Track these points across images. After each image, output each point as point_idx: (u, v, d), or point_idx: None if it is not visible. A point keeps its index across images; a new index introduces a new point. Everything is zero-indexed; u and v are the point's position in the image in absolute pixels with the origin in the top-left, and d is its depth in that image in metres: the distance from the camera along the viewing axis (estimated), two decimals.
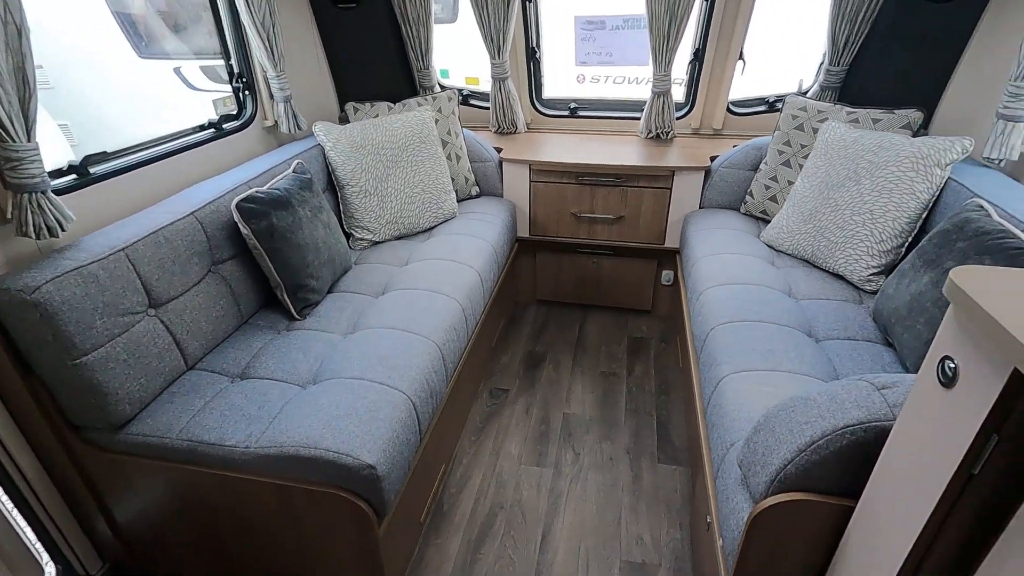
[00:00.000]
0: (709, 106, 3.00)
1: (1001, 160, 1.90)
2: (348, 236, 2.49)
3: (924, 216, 1.92)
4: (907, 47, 2.40)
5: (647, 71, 2.84)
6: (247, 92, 2.36)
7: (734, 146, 2.79)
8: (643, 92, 2.90)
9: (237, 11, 2.16)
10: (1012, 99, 1.82)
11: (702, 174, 2.68)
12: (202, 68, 5.20)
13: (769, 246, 2.37)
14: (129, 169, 1.78)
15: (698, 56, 2.85)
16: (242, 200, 1.76)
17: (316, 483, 1.38)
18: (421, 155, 2.55)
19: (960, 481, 0.76)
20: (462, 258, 2.29)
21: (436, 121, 2.71)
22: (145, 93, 5.11)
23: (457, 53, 4.18)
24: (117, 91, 5.02)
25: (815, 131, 2.37)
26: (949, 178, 1.90)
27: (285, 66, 2.35)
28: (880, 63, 2.49)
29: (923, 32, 2.34)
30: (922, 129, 2.44)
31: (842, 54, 2.52)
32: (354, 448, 1.34)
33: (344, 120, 2.74)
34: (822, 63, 2.68)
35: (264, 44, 2.21)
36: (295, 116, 2.45)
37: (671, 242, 2.85)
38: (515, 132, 3.20)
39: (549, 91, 3.27)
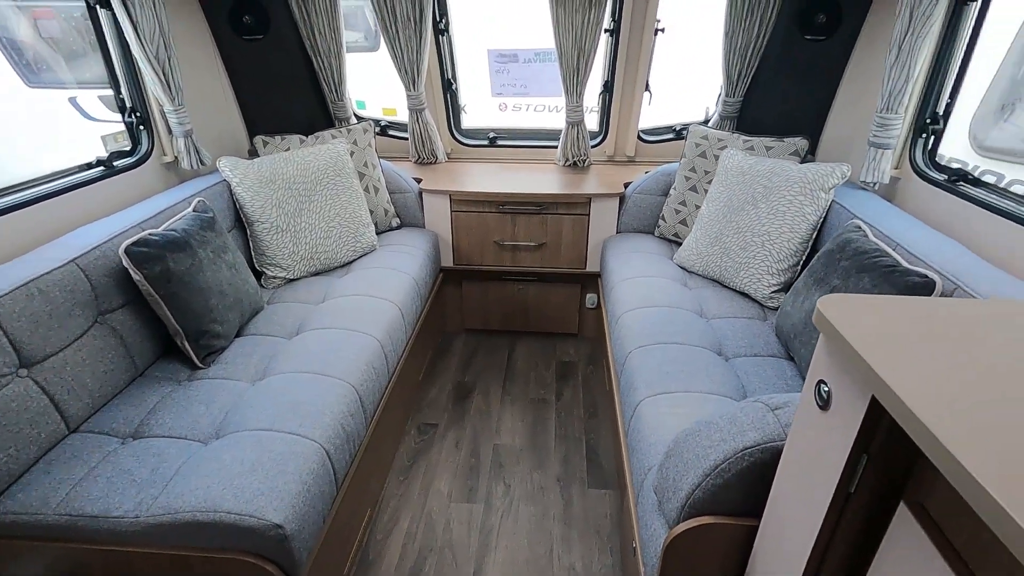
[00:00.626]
0: (621, 135, 3.13)
1: (875, 183, 2.08)
2: (260, 275, 2.37)
3: (814, 236, 2.08)
4: (792, 80, 2.62)
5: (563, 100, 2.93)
6: (142, 127, 2.22)
7: (646, 172, 2.91)
8: (562, 120, 3.00)
9: (127, 42, 2.03)
10: (880, 129, 2.01)
11: (617, 200, 2.77)
12: (101, 98, 4.88)
13: (682, 267, 2.47)
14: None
15: (607, 88, 2.98)
16: (132, 244, 1.64)
17: (217, 550, 1.27)
18: (336, 188, 2.48)
19: (840, 499, 0.80)
20: (381, 292, 2.24)
21: (352, 153, 2.66)
22: (33, 125, 4.72)
23: (379, 81, 4.16)
24: None
25: (716, 158, 2.52)
26: (833, 201, 2.06)
27: (184, 99, 2.24)
28: (770, 94, 2.70)
29: (804, 66, 2.56)
30: (809, 155, 2.65)
31: (736, 86, 2.70)
32: (259, 507, 1.25)
33: (253, 154, 2.63)
34: (720, 95, 2.86)
35: (159, 77, 2.10)
36: (197, 151, 2.33)
37: (592, 266, 2.92)
38: (435, 162, 3.19)
39: (471, 119, 3.31)
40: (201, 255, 1.81)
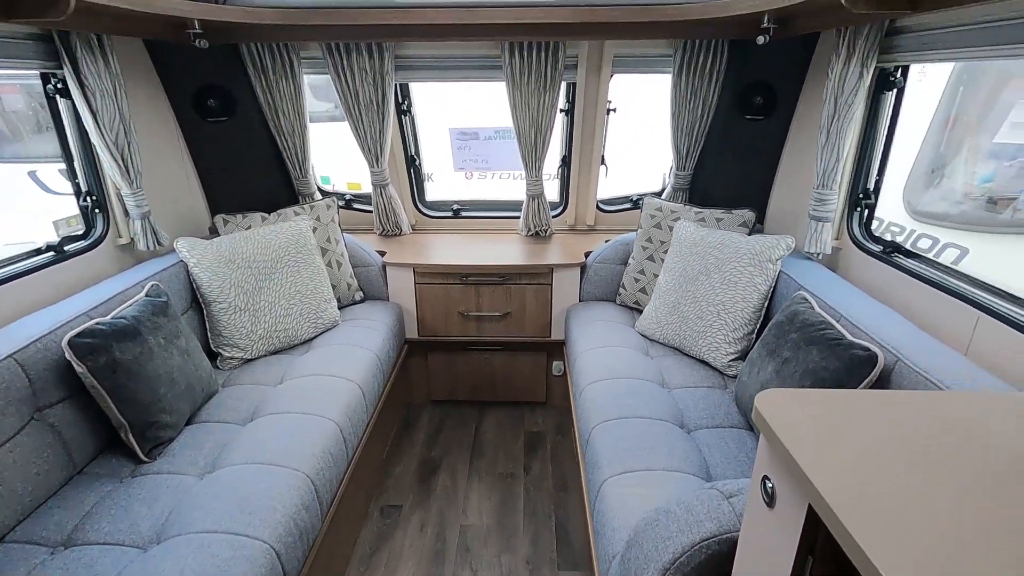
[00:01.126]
0: (581, 205, 3.24)
1: (819, 253, 2.19)
2: (216, 355, 2.31)
3: (765, 304, 2.15)
4: (736, 155, 2.78)
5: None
6: (97, 210, 2.20)
7: (606, 241, 3.00)
8: (523, 191, 3.11)
9: (85, 129, 2.05)
10: (818, 204, 2.14)
11: (579, 270, 2.83)
12: (62, 171, 4.84)
13: (643, 335, 2.51)
14: None
15: (566, 162, 3.10)
16: (76, 335, 1.59)
17: None
18: (298, 265, 2.48)
19: None
20: (342, 371, 2.19)
21: (315, 229, 2.68)
22: None
23: (346, 151, 4.27)
24: None
25: (671, 229, 2.61)
26: (780, 271, 2.15)
27: (143, 183, 2.24)
28: (718, 168, 2.85)
29: (747, 144, 2.73)
30: (758, 224, 2.78)
31: (685, 161, 2.85)
32: None
33: (214, 232, 2.62)
34: (672, 168, 3.01)
35: (117, 163, 2.11)
36: (155, 232, 2.31)
37: (557, 334, 2.94)
38: (400, 234, 3.23)
39: (438, 190, 3.38)
40: (151, 342, 1.76)
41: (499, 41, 2.55)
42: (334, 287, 2.73)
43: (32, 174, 4.82)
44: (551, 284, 2.85)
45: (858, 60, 1.87)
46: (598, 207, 3.25)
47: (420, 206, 3.32)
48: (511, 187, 3.79)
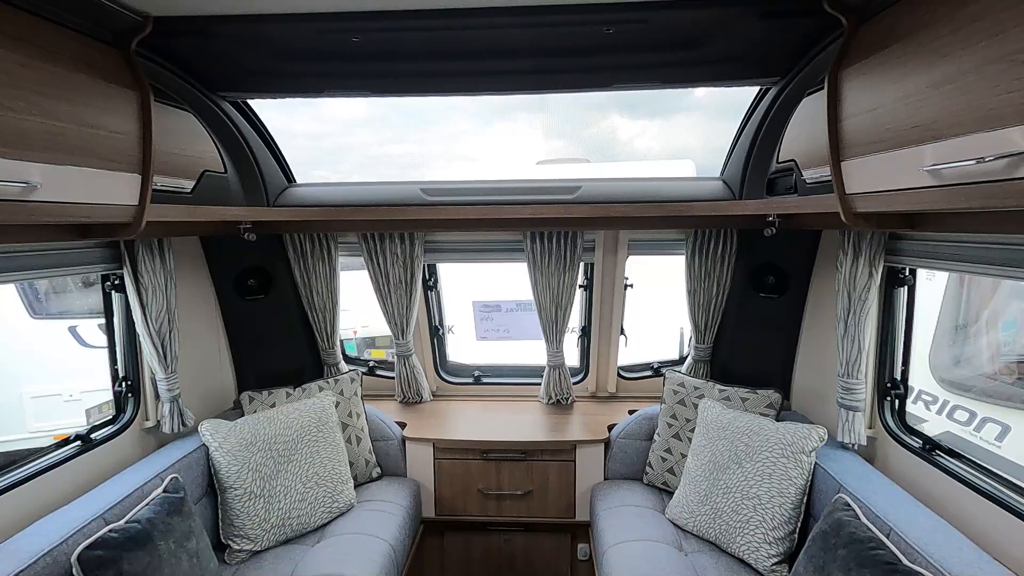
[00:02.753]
0: (601, 373, 3.24)
1: (854, 444, 2.11)
2: (225, 547, 2.20)
3: (804, 500, 2.02)
4: (754, 331, 2.82)
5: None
6: (130, 394, 2.26)
7: (629, 412, 2.95)
8: (543, 358, 3.15)
9: (132, 320, 2.17)
10: (846, 393, 2.11)
11: (602, 446, 2.75)
12: (100, 326, 5.08)
13: (675, 524, 2.35)
14: None
15: (586, 332, 3.17)
16: (88, 547, 1.54)
17: None
18: (318, 444, 2.45)
19: None
20: (353, 568, 2.06)
21: (337, 404, 2.69)
22: (29, 357, 4.82)
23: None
24: None
25: (695, 406, 2.57)
26: (816, 463, 2.06)
27: (178, 366, 2.32)
28: (737, 343, 2.88)
29: (763, 320, 2.78)
30: (786, 400, 2.72)
31: (704, 335, 2.89)
32: None
33: (238, 405, 2.65)
34: (691, 341, 3.05)
35: (157, 350, 2.20)
36: (181, 414, 2.34)
37: (582, 515, 2.77)
38: (420, 402, 3.22)
39: (457, 351, 3.43)
40: (161, 548, 1.69)
41: (521, 231, 2.75)
42: (352, 464, 2.67)
43: (72, 329, 5.06)
44: (574, 461, 2.76)
45: (866, 260, 1.96)
46: (619, 374, 3.25)
47: (441, 372, 3.36)
48: (531, 352, 3.84)
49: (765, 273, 2.73)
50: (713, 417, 2.36)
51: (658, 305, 3.57)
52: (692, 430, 2.56)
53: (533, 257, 2.79)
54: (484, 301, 3.18)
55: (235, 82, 2.11)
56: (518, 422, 2.93)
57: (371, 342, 5.37)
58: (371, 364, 3.39)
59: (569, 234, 2.74)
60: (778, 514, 2.02)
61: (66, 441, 2.00)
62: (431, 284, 3.10)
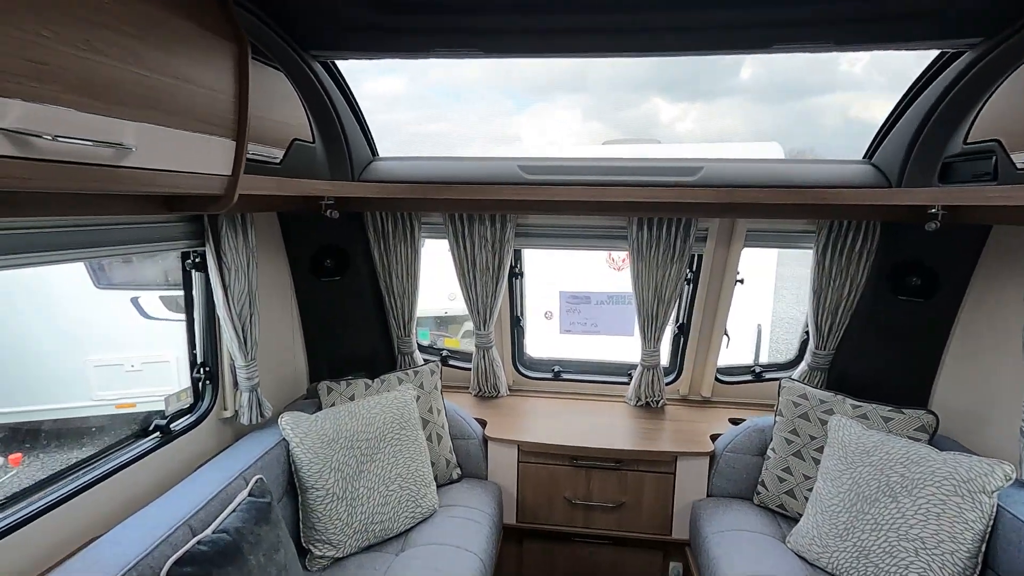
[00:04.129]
0: (697, 375, 2.95)
1: None
2: (305, 552, 2.03)
3: (983, 549, 1.71)
4: (887, 339, 2.46)
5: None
6: (208, 382, 2.09)
7: (731, 422, 2.67)
8: (629, 349, 2.87)
9: (214, 303, 1.99)
10: None
11: (707, 460, 2.47)
12: (162, 298, 5.06)
13: (800, 556, 2.06)
14: (33, 517, 1.39)
15: (683, 330, 2.87)
16: (176, 563, 1.36)
17: None
18: (401, 443, 2.25)
19: None
20: None
21: (417, 398, 2.48)
22: (92, 327, 4.84)
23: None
24: (62, 324, 4.76)
25: (822, 422, 2.26)
26: (998, 505, 1.73)
27: (258, 353, 2.14)
28: (863, 351, 2.53)
29: (900, 327, 2.42)
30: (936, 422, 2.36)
31: (826, 340, 2.56)
32: None
33: (313, 395, 2.48)
34: (805, 342, 2.72)
35: (238, 335, 2.02)
36: (260, 404, 2.16)
37: (679, 532, 2.51)
38: (497, 396, 3.00)
39: (534, 343, 3.19)
40: (252, 564, 1.51)
41: (629, 215, 2.45)
42: (432, 464, 2.46)
43: (134, 300, 5.05)
44: (674, 473, 2.49)
45: None
46: (716, 378, 2.94)
47: (520, 366, 3.12)
48: (614, 348, 3.56)
49: (908, 273, 2.37)
50: (851, 438, 2.05)
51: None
52: (818, 449, 2.25)
53: (638, 246, 2.49)
54: (572, 292, 2.91)
55: (332, 40, 1.87)
56: (607, 426, 2.67)
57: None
58: (444, 353, 3.18)
59: (682, 221, 2.43)
60: (949, 563, 1.70)
61: (144, 432, 1.84)
62: (517, 271, 2.84)
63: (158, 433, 1.86)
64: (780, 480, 2.33)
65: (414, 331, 2.89)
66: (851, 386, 2.51)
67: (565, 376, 3.11)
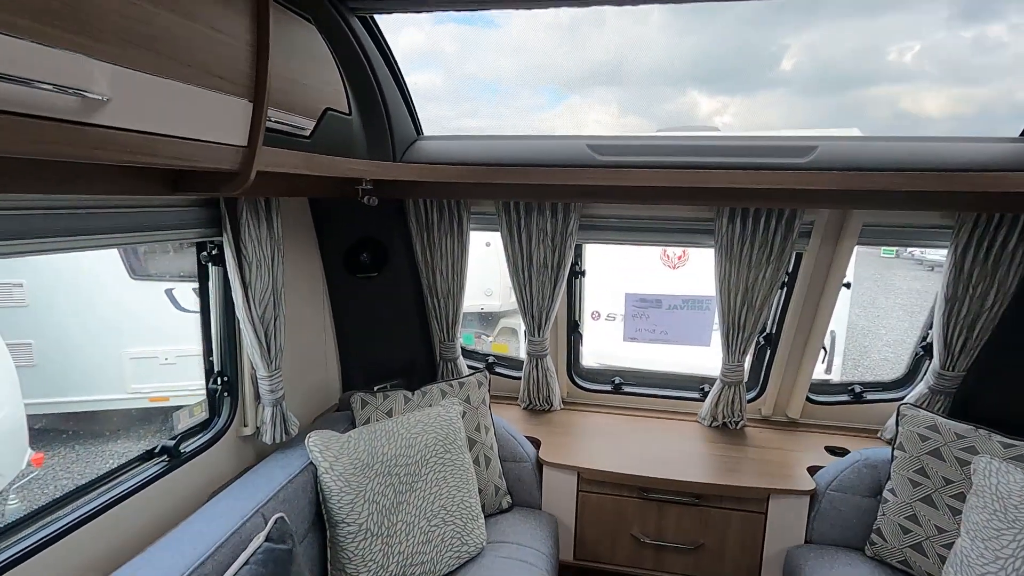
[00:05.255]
0: (784, 393, 2.54)
1: None
2: None
3: None
4: None
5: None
6: (227, 394, 1.81)
7: (830, 451, 2.26)
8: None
9: (230, 301, 1.70)
10: None
11: (807, 499, 2.06)
12: (194, 289, 4.91)
13: None
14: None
15: (770, 341, 2.46)
16: None
17: None
18: (445, 468, 1.93)
19: None
20: None
21: (463, 414, 2.15)
22: (127, 317, 4.73)
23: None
24: (98, 314, 4.66)
25: (961, 463, 1.83)
26: None
27: (283, 361, 1.84)
28: (999, 376, 2.07)
29: None
30: None
31: (956, 360, 2.11)
32: None
33: (345, 406, 2.17)
34: (920, 358, 2.28)
35: (260, 341, 1.72)
36: (284, 421, 1.87)
37: None
38: (549, 410, 2.65)
39: (590, 354, 2.83)
40: None
41: (720, 206, 2.06)
42: (479, 491, 2.13)
43: (168, 292, 4.91)
44: (765, 513, 2.09)
45: None
46: (808, 398, 2.52)
47: (575, 376, 2.76)
48: (678, 356, 3.16)
49: None
50: (1013, 488, 1.61)
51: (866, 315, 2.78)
52: (955, 495, 1.82)
53: (727, 242, 2.10)
54: (641, 294, 2.53)
55: None
56: (681, 451, 2.29)
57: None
58: (490, 360, 2.84)
59: (784, 214, 2.02)
60: None
61: (150, 454, 1.56)
62: (579, 270, 2.48)
63: (165, 456, 1.58)
64: (904, 530, 1.90)
65: (458, 335, 2.56)
66: (980, 416, 2.06)
67: (627, 389, 2.73)
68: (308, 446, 1.78)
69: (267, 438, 1.83)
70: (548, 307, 2.35)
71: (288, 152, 1.37)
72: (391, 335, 2.53)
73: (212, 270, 1.74)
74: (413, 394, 2.19)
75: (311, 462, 1.80)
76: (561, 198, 2.09)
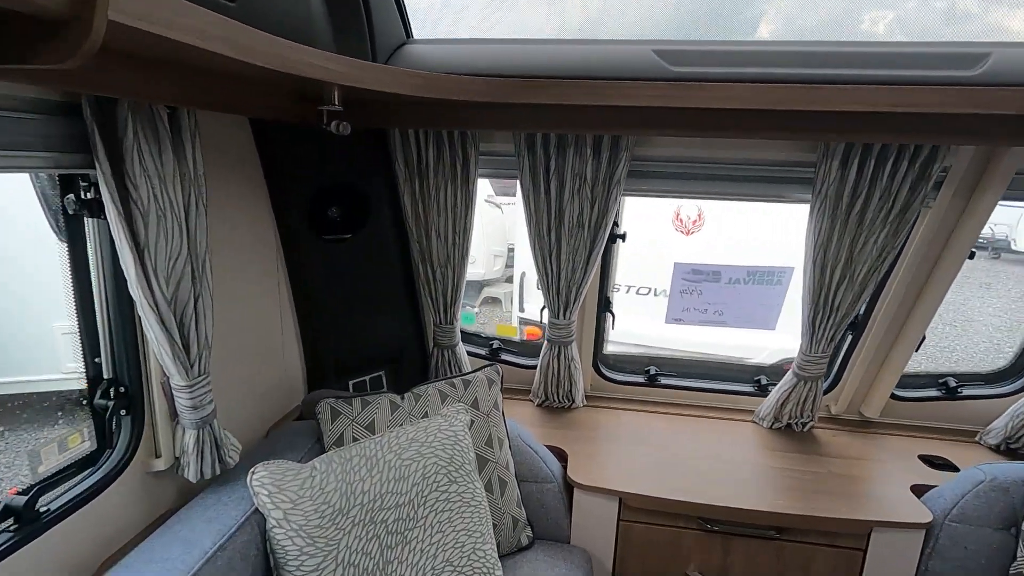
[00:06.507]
0: (863, 387, 2.05)
1: None
2: None
3: None
4: None
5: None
6: (124, 412, 1.20)
7: (923, 461, 1.80)
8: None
9: (121, 273, 1.08)
10: None
11: (921, 534, 1.59)
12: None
13: None
14: None
15: (858, 323, 1.94)
16: None
17: None
18: (452, 506, 1.38)
19: None
20: None
21: (471, 423, 1.60)
22: (56, 287, 4.00)
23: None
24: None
25: None
26: None
27: (210, 362, 1.24)
28: None
29: None
30: None
31: None
32: None
33: (311, 413, 1.59)
34: None
35: (170, 334, 1.12)
36: (217, 446, 1.28)
37: None
38: (570, 408, 2.13)
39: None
40: None
41: (833, 141, 1.49)
42: (494, 526, 1.60)
43: None
44: (864, 550, 1.62)
45: None
46: (893, 394, 2.04)
47: (600, 366, 2.23)
48: (718, 338, 2.64)
49: None
50: None
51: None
52: None
53: (834, 194, 1.54)
54: (695, 264, 1.97)
55: None
56: (745, 465, 1.80)
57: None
58: (495, 345, 2.28)
59: (922, 154, 1.47)
60: None
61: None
62: (620, 233, 1.90)
63: (12, 522, 0.98)
64: None
65: (458, 317, 1.99)
66: None
67: (664, 381, 2.21)
68: (252, 487, 1.20)
69: (190, 473, 1.24)
70: (581, 280, 1.78)
71: (186, 3, 0.74)
72: (371, 316, 1.94)
73: (90, 225, 1.11)
74: (403, 398, 1.61)
75: (257, 508, 1.23)
76: (611, 128, 1.49)
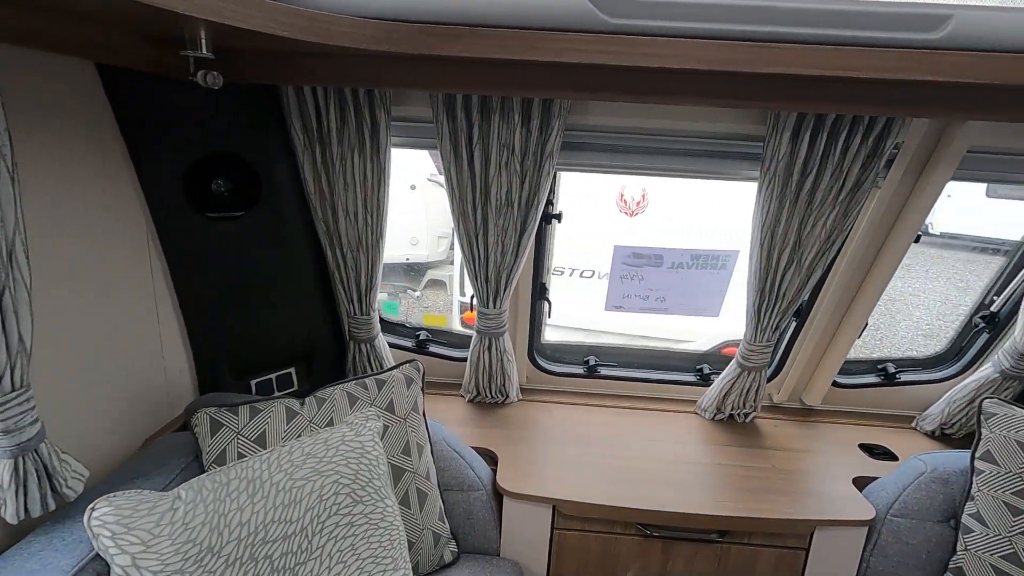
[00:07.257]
0: (804, 376, 1.98)
1: None
2: None
3: None
4: None
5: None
6: None
7: (863, 450, 1.75)
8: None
9: None
10: None
11: (863, 531, 1.52)
12: None
13: None
14: None
15: (800, 312, 1.86)
16: None
17: None
18: (356, 531, 1.18)
19: None
20: None
21: (384, 431, 1.40)
22: None
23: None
24: None
25: None
26: None
27: (28, 372, 0.97)
28: None
29: None
30: None
31: None
32: None
33: (186, 428, 1.34)
34: (979, 331, 1.78)
35: None
36: (49, 476, 1.02)
37: None
38: (503, 403, 1.96)
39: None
40: None
41: (784, 110, 1.35)
42: (410, 545, 1.41)
43: None
44: (807, 549, 1.54)
45: None
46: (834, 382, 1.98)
47: (536, 357, 2.06)
48: (656, 324, 2.53)
49: None
50: None
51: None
52: None
53: (783, 170, 1.41)
54: (635, 247, 1.82)
55: None
56: (687, 462, 1.69)
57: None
58: (421, 337, 2.08)
59: (876, 128, 1.35)
60: None
61: None
62: (555, 213, 1.72)
63: None
64: (997, 572, 1.40)
65: (375, 306, 1.76)
66: None
67: (604, 372, 2.08)
68: (90, 528, 0.95)
69: (7, 513, 0.98)
70: (511, 266, 1.59)
71: None
72: (274, 306, 1.69)
73: None
74: (303, 404, 1.38)
75: (99, 555, 0.98)
76: (542, 91, 1.29)
